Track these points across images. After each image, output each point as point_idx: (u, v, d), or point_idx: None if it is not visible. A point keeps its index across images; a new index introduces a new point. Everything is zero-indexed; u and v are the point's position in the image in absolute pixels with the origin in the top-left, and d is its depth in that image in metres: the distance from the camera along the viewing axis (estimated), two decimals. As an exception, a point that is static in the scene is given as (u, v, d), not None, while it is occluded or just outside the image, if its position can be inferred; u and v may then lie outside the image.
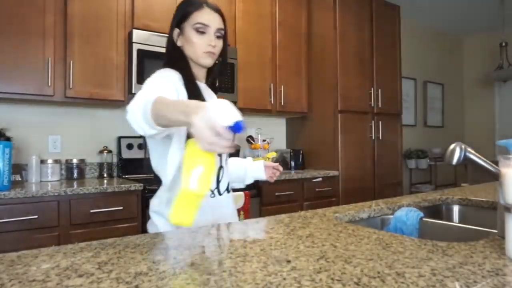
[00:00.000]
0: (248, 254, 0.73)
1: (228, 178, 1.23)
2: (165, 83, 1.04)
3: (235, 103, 2.88)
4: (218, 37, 1.21)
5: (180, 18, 1.21)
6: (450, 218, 1.46)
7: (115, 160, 2.70)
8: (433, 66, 5.47)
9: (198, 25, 1.17)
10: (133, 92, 2.40)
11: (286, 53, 3.22)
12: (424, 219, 1.19)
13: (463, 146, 1.07)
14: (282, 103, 3.19)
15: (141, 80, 2.42)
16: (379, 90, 3.53)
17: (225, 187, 1.20)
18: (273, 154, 3.21)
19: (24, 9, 2.15)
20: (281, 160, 3.45)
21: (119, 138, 2.69)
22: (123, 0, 2.47)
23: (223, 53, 1.27)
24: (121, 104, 2.50)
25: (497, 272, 0.62)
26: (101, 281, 0.59)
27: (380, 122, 3.50)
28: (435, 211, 1.44)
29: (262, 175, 1.43)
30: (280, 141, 3.66)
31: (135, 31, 2.42)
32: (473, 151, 1.07)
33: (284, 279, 0.59)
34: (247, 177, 1.43)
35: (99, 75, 2.38)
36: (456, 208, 1.45)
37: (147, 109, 0.84)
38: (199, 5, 1.19)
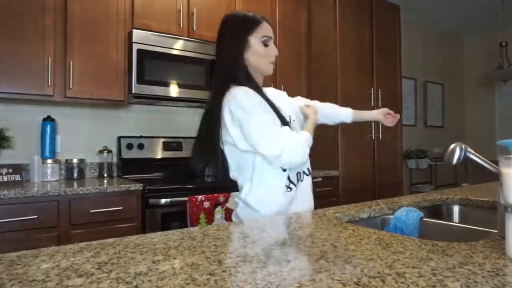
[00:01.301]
0: (248, 254, 0.73)
1: (296, 169, 1.35)
2: (272, 116, 1.24)
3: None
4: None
5: (245, 31, 1.30)
6: (450, 218, 1.46)
7: (115, 160, 2.70)
8: (433, 66, 5.47)
9: (265, 38, 1.31)
10: (133, 92, 2.40)
11: (286, 53, 3.22)
12: (424, 219, 1.19)
13: (463, 146, 1.07)
14: (282, 103, 3.19)
15: (140, 80, 2.42)
16: (379, 90, 3.53)
17: (294, 178, 1.33)
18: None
19: (23, 9, 2.15)
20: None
21: (119, 138, 2.69)
22: (123, 0, 2.47)
23: None
24: (121, 104, 2.50)
25: (497, 272, 0.62)
26: (101, 281, 0.59)
27: (380, 122, 3.50)
28: (435, 211, 1.44)
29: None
30: (280, 141, 3.65)
31: (135, 31, 2.42)
32: (473, 151, 1.07)
33: (284, 279, 0.59)
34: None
35: (99, 75, 2.38)
36: (456, 208, 1.45)
37: (303, 148, 1.23)
38: (259, 20, 1.32)
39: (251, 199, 1.27)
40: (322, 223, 1.02)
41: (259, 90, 1.28)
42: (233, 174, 1.35)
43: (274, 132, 1.19)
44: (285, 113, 1.34)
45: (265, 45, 1.31)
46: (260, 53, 1.30)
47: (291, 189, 1.30)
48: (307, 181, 1.37)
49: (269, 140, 1.18)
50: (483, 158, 1.06)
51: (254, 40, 1.30)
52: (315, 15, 3.41)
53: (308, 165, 1.39)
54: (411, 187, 4.88)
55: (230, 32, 1.31)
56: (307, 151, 1.25)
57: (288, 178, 1.29)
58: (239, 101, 1.20)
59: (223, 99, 1.24)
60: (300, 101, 1.58)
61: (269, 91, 1.41)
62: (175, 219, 2.22)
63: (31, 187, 2.02)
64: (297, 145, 1.20)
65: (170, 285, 0.57)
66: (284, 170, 1.28)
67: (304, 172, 1.36)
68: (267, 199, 1.27)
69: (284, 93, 1.55)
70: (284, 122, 1.27)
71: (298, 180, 1.33)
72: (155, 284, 0.58)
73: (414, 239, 0.84)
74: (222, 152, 1.32)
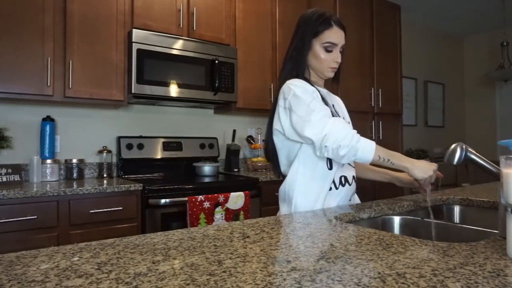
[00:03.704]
0: (248, 254, 0.73)
1: (342, 173, 1.33)
2: (323, 106, 1.24)
3: (235, 103, 2.88)
4: (340, 52, 1.34)
5: (313, 34, 1.32)
6: (451, 218, 1.45)
7: (114, 160, 2.70)
8: (434, 65, 5.47)
9: (327, 44, 1.31)
10: (132, 91, 2.40)
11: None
12: (424, 219, 1.18)
13: (464, 146, 1.07)
14: (282, 103, 3.19)
15: (140, 80, 2.41)
16: (380, 90, 3.53)
17: (338, 181, 1.33)
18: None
19: (23, 9, 2.15)
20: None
21: (119, 138, 2.69)
22: (123, 0, 2.46)
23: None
24: (120, 104, 2.50)
25: (498, 273, 0.62)
26: (100, 281, 0.59)
27: (380, 122, 3.50)
28: (436, 211, 1.44)
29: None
30: (280, 141, 3.65)
31: (134, 31, 2.42)
32: (474, 151, 1.07)
33: (284, 279, 0.59)
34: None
35: (98, 75, 2.37)
36: (457, 208, 1.45)
37: (367, 154, 1.16)
38: (329, 24, 1.31)
39: (290, 190, 1.32)
40: (322, 223, 1.02)
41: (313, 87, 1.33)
42: (284, 169, 1.38)
43: (322, 116, 1.19)
44: (340, 115, 1.41)
45: (327, 50, 1.31)
46: (319, 57, 1.32)
47: (337, 188, 1.33)
48: (349, 190, 1.37)
49: (316, 123, 1.18)
50: (484, 158, 1.06)
51: (316, 44, 1.32)
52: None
53: (353, 173, 1.39)
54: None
55: (301, 30, 1.35)
56: (355, 147, 1.14)
57: (334, 178, 1.31)
58: (294, 88, 1.26)
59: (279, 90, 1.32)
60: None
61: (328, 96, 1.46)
62: (175, 219, 2.22)
63: (30, 187, 2.02)
64: (345, 137, 1.14)
65: (170, 286, 0.57)
66: (330, 168, 1.30)
67: (350, 178, 1.37)
68: (305, 193, 1.30)
69: (336, 96, 1.57)
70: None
71: (341, 184, 1.34)
72: (155, 284, 0.57)
73: (414, 239, 0.83)
74: (273, 146, 1.38)
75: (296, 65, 1.36)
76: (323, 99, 1.32)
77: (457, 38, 5.89)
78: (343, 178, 1.34)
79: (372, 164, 1.21)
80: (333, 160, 1.29)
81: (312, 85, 1.34)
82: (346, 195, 1.36)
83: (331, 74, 1.36)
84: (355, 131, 1.18)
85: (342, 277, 0.60)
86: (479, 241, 0.81)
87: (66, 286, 0.57)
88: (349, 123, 1.45)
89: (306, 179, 1.30)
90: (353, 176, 1.40)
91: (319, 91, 1.34)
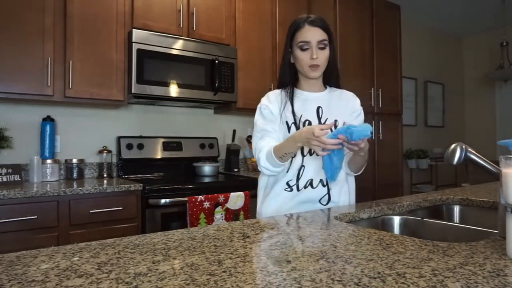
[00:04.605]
0: (248, 254, 0.73)
1: (310, 176, 1.36)
2: (268, 129, 1.38)
3: (235, 103, 2.88)
4: (320, 48, 1.33)
5: (290, 39, 1.38)
6: (450, 218, 1.45)
7: (114, 160, 2.70)
8: (434, 65, 5.47)
9: (300, 44, 1.33)
10: (132, 91, 2.40)
11: (286, 53, 3.22)
12: (424, 219, 1.19)
13: (463, 146, 1.07)
14: (282, 103, 3.18)
15: (140, 80, 2.42)
16: (380, 90, 3.53)
17: (303, 184, 1.36)
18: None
19: (23, 9, 2.15)
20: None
21: (119, 138, 2.69)
22: (123, 0, 2.46)
23: (330, 59, 1.38)
24: (120, 104, 2.50)
25: (498, 273, 0.62)
26: (100, 281, 0.59)
27: (380, 122, 3.50)
28: (436, 211, 1.44)
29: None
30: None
31: (134, 31, 2.42)
32: (473, 151, 1.07)
33: (284, 279, 0.59)
34: None
35: (98, 75, 2.37)
36: (456, 208, 1.45)
37: (272, 160, 1.28)
38: (301, 24, 1.35)
39: (260, 187, 1.47)
40: (322, 223, 1.02)
41: (290, 93, 1.41)
42: None
43: (257, 139, 1.39)
44: (316, 117, 1.38)
45: (302, 49, 1.33)
46: (297, 58, 1.35)
47: (291, 189, 1.38)
48: (314, 193, 1.36)
49: (254, 143, 1.40)
50: (484, 158, 1.06)
51: (294, 46, 1.36)
52: (315, 14, 3.41)
53: (321, 177, 1.36)
54: (411, 187, 4.88)
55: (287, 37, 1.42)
56: (264, 165, 1.32)
57: (297, 178, 1.37)
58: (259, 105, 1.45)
59: None
60: (354, 114, 1.45)
61: (328, 93, 1.44)
62: (175, 219, 2.22)
63: (30, 187, 2.02)
64: (257, 161, 1.35)
65: (170, 286, 0.57)
66: (287, 171, 1.38)
67: (316, 182, 1.36)
68: (264, 190, 1.45)
69: (350, 95, 1.47)
70: (297, 125, 1.36)
71: (304, 187, 1.37)
72: (155, 284, 0.57)
73: (414, 239, 0.84)
74: None
75: (281, 71, 1.45)
76: (292, 108, 1.37)
77: (457, 38, 5.89)
78: (308, 182, 1.37)
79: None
80: (292, 166, 1.37)
81: (292, 92, 1.41)
82: (311, 198, 1.36)
83: (313, 74, 1.34)
84: (260, 153, 1.32)
85: (342, 277, 0.60)
86: (479, 241, 0.81)
87: (66, 286, 0.57)
88: (324, 120, 1.37)
89: (265, 178, 1.45)
90: (321, 180, 1.36)
91: (291, 100, 1.39)
